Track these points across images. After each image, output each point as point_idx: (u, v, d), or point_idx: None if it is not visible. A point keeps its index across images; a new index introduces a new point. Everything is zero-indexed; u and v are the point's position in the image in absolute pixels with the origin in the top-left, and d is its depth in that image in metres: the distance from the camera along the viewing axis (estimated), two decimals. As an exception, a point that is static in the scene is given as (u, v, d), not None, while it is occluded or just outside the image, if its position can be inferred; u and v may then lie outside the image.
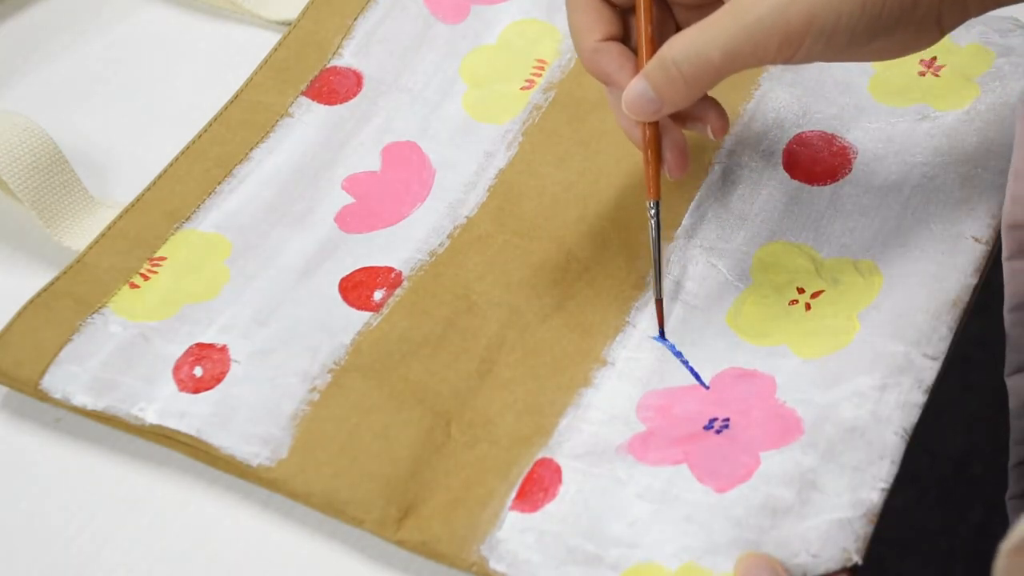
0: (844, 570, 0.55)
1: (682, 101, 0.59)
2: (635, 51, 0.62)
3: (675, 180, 0.63)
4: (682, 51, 0.57)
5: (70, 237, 0.67)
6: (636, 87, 0.59)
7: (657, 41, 0.60)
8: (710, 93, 0.60)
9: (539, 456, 0.59)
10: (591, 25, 0.61)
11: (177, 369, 0.62)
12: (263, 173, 0.69)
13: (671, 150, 0.62)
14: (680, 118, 0.62)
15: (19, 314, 0.63)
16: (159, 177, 0.69)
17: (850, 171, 0.68)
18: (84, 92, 0.75)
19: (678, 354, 0.62)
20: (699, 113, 0.61)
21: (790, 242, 0.65)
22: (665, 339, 0.63)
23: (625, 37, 0.62)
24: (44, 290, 0.64)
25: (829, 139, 0.69)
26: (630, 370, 0.62)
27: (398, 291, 0.65)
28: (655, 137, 0.61)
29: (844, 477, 0.56)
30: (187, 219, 0.67)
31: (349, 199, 0.69)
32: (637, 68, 0.60)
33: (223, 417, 0.60)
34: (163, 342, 0.63)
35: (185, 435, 0.60)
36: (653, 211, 0.62)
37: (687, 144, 0.62)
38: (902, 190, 0.66)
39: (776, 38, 0.56)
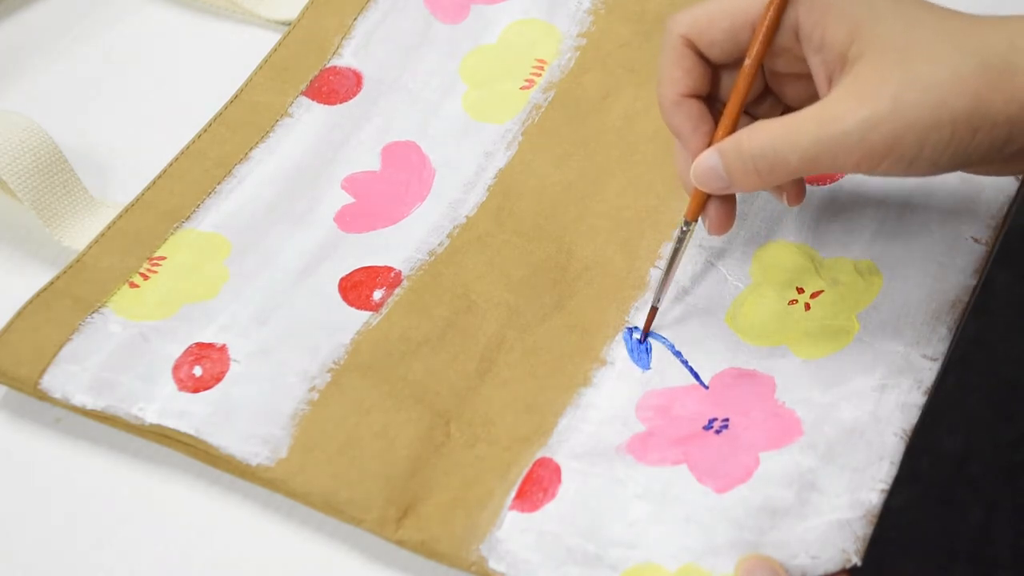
0: (843, 571, 0.54)
1: (751, 189, 0.58)
2: (719, 110, 0.60)
3: (711, 235, 0.61)
4: (760, 148, 0.56)
5: (70, 237, 0.67)
6: (709, 161, 0.58)
7: (744, 106, 0.58)
8: None
9: (538, 456, 0.59)
10: (677, 78, 0.59)
11: (177, 369, 0.62)
12: (263, 173, 0.69)
13: (717, 209, 0.60)
14: None
15: (19, 314, 0.63)
16: (159, 177, 0.69)
17: (850, 171, 0.68)
18: (84, 92, 0.75)
19: (677, 354, 0.62)
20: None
21: (790, 242, 0.65)
22: (646, 341, 0.62)
23: (711, 94, 0.60)
24: (44, 290, 0.64)
25: (829, 139, 0.69)
26: (630, 370, 0.62)
27: (398, 291, 0.65)
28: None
29: (843, 478, 0.56)
30: (187, 219, 0.67)
31: (349, 199, 0.69)
32: (714, 138, 0.59)
33: (222, 417, 0.60)
34: (163, 342, 0.63)
35: (184, 434, 0.60)
36: (685, 229, 0.61)
37: (735, 207, 0.61)
38: (902, 190, 0.66)
39: (856, 155, 0.54)
